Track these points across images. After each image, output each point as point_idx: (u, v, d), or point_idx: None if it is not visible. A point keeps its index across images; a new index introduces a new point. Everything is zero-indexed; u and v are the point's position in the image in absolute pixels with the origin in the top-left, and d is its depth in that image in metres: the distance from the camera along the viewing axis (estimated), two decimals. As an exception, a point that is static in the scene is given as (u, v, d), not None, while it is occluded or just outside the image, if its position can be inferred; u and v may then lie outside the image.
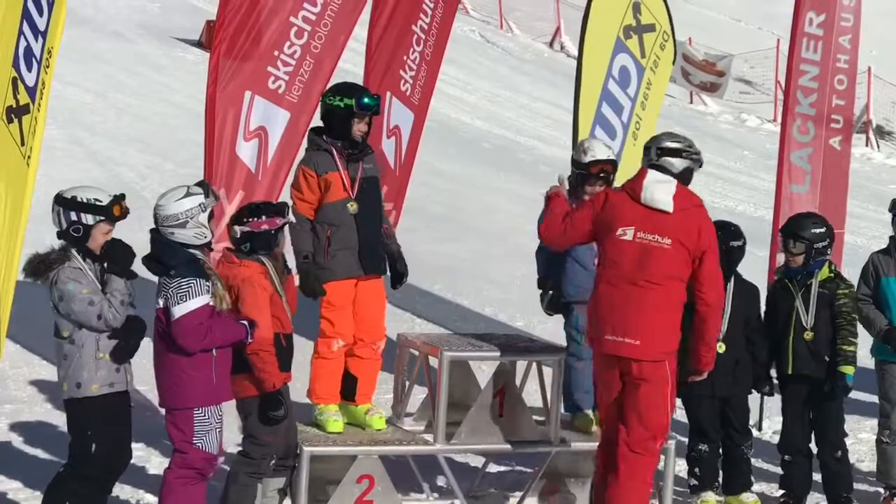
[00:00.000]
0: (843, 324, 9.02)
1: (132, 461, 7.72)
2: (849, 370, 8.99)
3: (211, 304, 7.33)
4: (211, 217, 7.49)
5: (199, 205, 7.41)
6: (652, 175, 7.79)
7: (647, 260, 7.69)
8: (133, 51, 27.18)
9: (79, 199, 7.28)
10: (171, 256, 7.33)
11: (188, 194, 7.43)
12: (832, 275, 9.13)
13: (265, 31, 9.80)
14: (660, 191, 7.72)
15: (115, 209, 7.31)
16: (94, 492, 7.45)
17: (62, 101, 19.76)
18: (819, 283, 9.06)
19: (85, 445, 7.32)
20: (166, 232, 7.38)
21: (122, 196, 7.41)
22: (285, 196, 8.79)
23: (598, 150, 8.90)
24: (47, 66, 7.89)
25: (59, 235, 7.31)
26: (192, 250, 7.40)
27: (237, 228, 7.81)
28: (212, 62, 9.70)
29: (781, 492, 9.31)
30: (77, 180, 17.03)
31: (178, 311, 7.24)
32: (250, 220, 7.78)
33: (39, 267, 7.24)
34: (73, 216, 7.26)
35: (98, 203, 7.29)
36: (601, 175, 8.79)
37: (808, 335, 9.04)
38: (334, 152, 8.40)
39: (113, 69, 25.07)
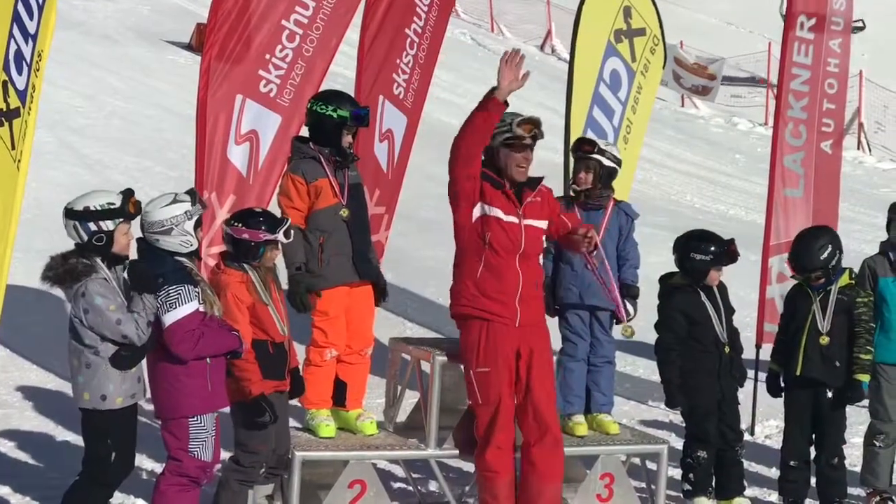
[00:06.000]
0: (861, 332, 9.04)
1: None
2: (865, 378, 9.03)
3: (201, 310, 7.30)
4: (198, 225, 7.44)
5: (185, 212, 7.36)
6: None
7: None
8: (123, 54, 27.12)
9: (93, 209, 7.14)
10: (158, 265, 7.28)
11: (174, 201, 7.39)
12: (852, 281, 9.14)
13: (256, 34, 9.76)
14: None
15: (129, 207, 7.21)
16: (108, 498, 7.42)
17: (51, 105, 19.69)
18: (838, 289, 9.08)
19: (104, 454, 7.25)
20: (151, 239, 7.32)
21: (132, 191, 7.30)
22: (276, 201, 8.73)
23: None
24: (37, 70, 7.84)
25: (82, 248, 7.15)
26: (179, 258, 7.36)
27: (225, 227, 7.78)
28: (203, 65, 9.66)
29: (782, 499, 9.27)
30: (67, 184, 17.04)
31: (169, 318, 7.20)
32: (237, 224, 7.73)
33: (65, 276, 7.12)
34: (93, 226, 7.13)
35: (113, 207, 7.17)
36: (577, 154, 9.03)
37: (824, 340, 9.04)
38: (321, 159, 8.35)
39: (103, 72, 25.01)
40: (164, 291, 7.22)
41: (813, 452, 9.21)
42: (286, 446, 7.98)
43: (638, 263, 9.12)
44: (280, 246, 7.84)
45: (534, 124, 8.07)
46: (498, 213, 7.98)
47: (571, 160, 9.26)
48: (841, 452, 9.17)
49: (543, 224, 8.16)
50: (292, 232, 7.84)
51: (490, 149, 8.08)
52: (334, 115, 8.34)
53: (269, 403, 7.58)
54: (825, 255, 9.04)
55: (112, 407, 7.17)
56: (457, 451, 8.56)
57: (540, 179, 8.25)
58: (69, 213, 7.19)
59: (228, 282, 7.66)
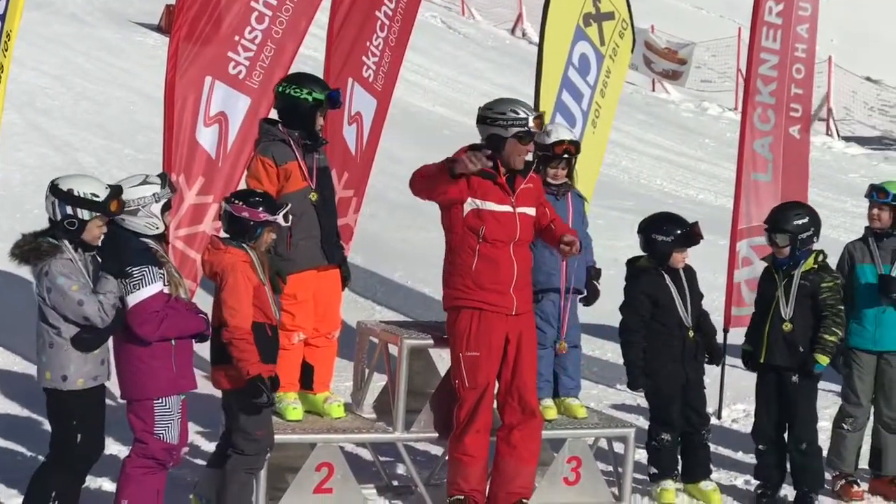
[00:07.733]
0: (827, 315, 9.01)
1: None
2: (823, 359, 8.99)
3: (166, 291, 7.28)
4: (167, 209, 7.40)
5: (153, 194, 7.32)
6: None
7: None
8: (92, 35, 26.99)
9: (75, 194, 7.07)
10: (122, 245, 7.23)
11: (144, 182, 7.35)
12: (816, 266, 9.11)
13: (226, 15, 9.73)
14: None
15: (112, 205, 7.13)
16: (75, 482, 7.38)
17: (19, 85, 19.60)
18: (801, 274, 9.07)
19: (70, 436, 7.22)
20: (117, 218, 7.29)
21: (120, 190, 7.22)
22: (245, 183, 8.71)
23: (562, 132, 9.10)
24: (5, 50, 7.82)
25: (52, 225, 7.11)
26: (144, 239, 7.32)
27: (224, 204, 7.74)
28: (171, 47, 9.62)
29: (756, 482, 9.32)
30: (34, 165, 16.96)
31: (132, 299, 7.17)
32: (236, 202, 7.69)
33: (29, 255, 7.07)
34: (69, 210, 7.07)
35: (95, 199, 7.08)
36: (564, 156, 8.92)
37: (787, 327, 9.05)
38: (291, 142, 8.32)
39: (71, 53, 24.89)
40: (127, 272, 7.18)
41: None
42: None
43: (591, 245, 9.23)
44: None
45: (542, 120, 8.22)
46: (491, 205, 8.02)
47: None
48: (810, 438, 9.12)
49: (533, 211, 8.20)
50: (290, 217, 7.81)
51: (497, 137, 8.11)
52: (309, 98, 8.31)
53: (265, 384, 7.52)
54: (800, 222, 9.04)
55: (73, 388, 7.14)
56: (424, 435, 8.58)
57: (532, 164, 8.30)
58: (53, 189, 7.12)
59: (235, 261, 7.58)
